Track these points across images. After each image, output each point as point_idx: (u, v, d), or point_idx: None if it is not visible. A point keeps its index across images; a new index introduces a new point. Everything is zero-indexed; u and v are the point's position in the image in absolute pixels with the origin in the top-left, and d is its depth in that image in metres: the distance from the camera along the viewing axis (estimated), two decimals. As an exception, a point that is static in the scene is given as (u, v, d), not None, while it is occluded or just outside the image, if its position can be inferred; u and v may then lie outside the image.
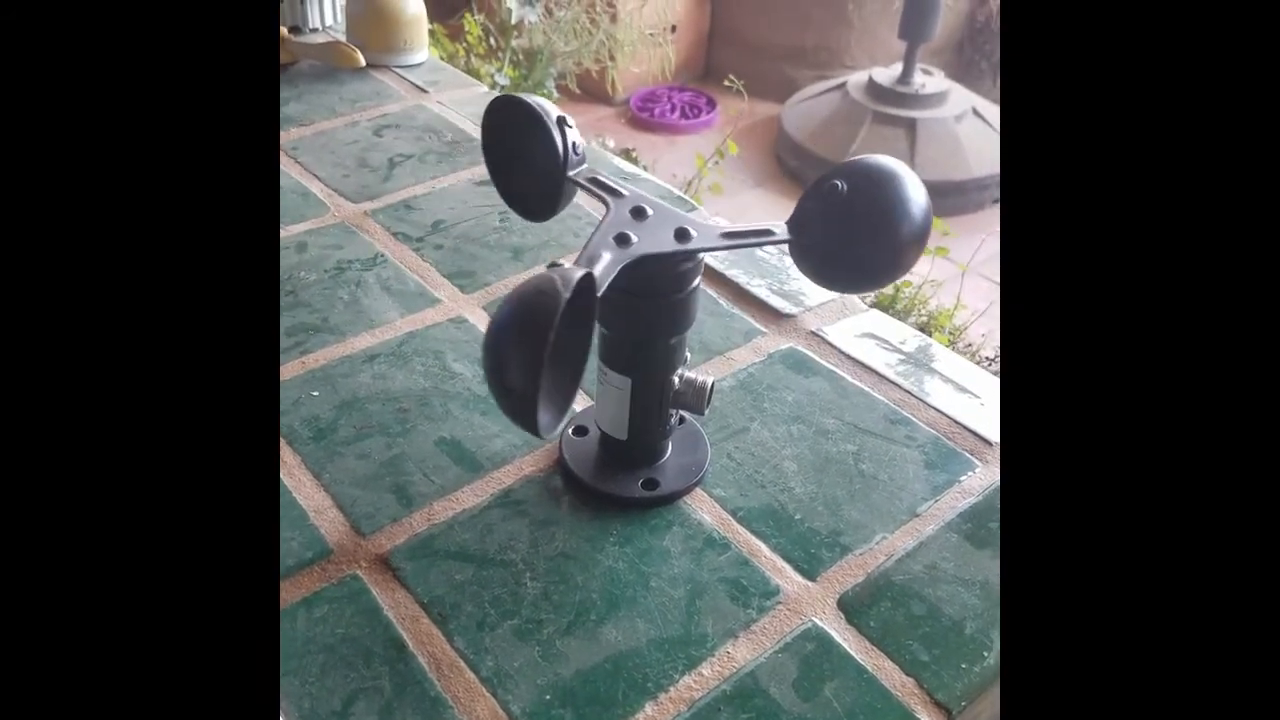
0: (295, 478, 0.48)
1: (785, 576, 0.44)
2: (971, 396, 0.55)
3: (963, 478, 0.50)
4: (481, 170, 0.75)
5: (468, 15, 1.88)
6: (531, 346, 0.33)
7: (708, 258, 0.63)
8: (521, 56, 1.97)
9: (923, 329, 1.53)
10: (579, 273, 0.35)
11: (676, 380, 0.46)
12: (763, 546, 0.45)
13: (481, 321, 0.59)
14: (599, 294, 0.37)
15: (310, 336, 0.57)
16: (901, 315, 1.53)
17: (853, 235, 0.41)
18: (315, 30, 0.92)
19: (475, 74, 1.73)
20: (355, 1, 0.89)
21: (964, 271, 1.67)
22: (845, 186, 0.41)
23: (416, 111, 0.83)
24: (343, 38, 0.91)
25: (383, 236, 0.67)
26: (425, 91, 0.87)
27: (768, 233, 0.43)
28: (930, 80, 2.35)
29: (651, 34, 2.40)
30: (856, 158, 0.42)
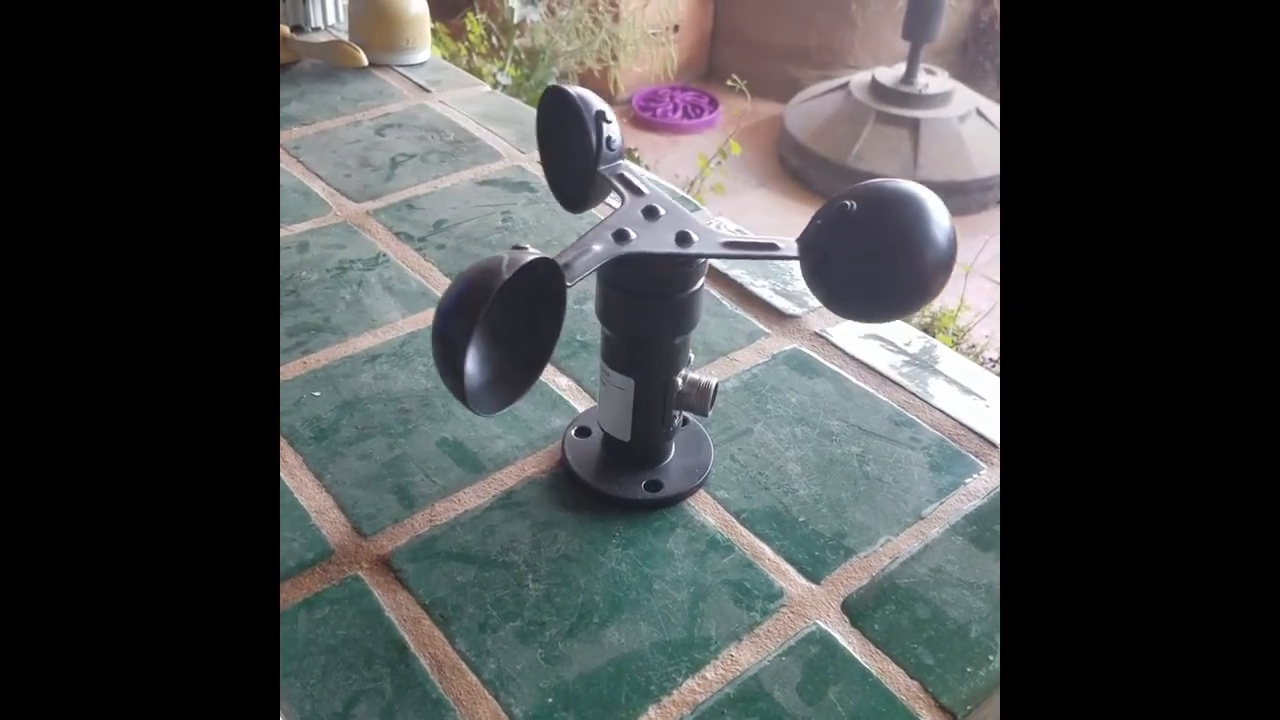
0: (297, 478, 0.48)
1: (789, 579, 0.44)
2: (976, 398, 0.55)
3: (968, 480, 0.49)
4: (483, 170, 0.75)
5: (470, 14, 1.88)
6: (463, 323, 0.33)
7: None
8: (524, 56, 1.97)
9: (926, 330, 1.53)
10: (530, 256, 0.35)
11: (680, 381, 0.45)
12: (766, 549, 0.45)
13: (484, 322, 0.59)
14: (571, 283, 0.37)
15: (312, 336, 0.57)
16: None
17: (873, 259, 0.39)
18: (318, 29, 0.92)
19: (477, 73, 1.73)
20: (357, 1, 0.89)
21: (967, 272, 1.66)
22: (855, 206, 0.39)
23: (419, 111, 0.83)
24: (345, 37, 0.91)
25: (385, 236, 0.67)
26: (428, 91, 0.87)
27: (772, 246, 0.41)
28: (934, 80, 2.34)
29: (654, 33, 2.40)
30: (874, 181, 0.40)
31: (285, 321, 0.58)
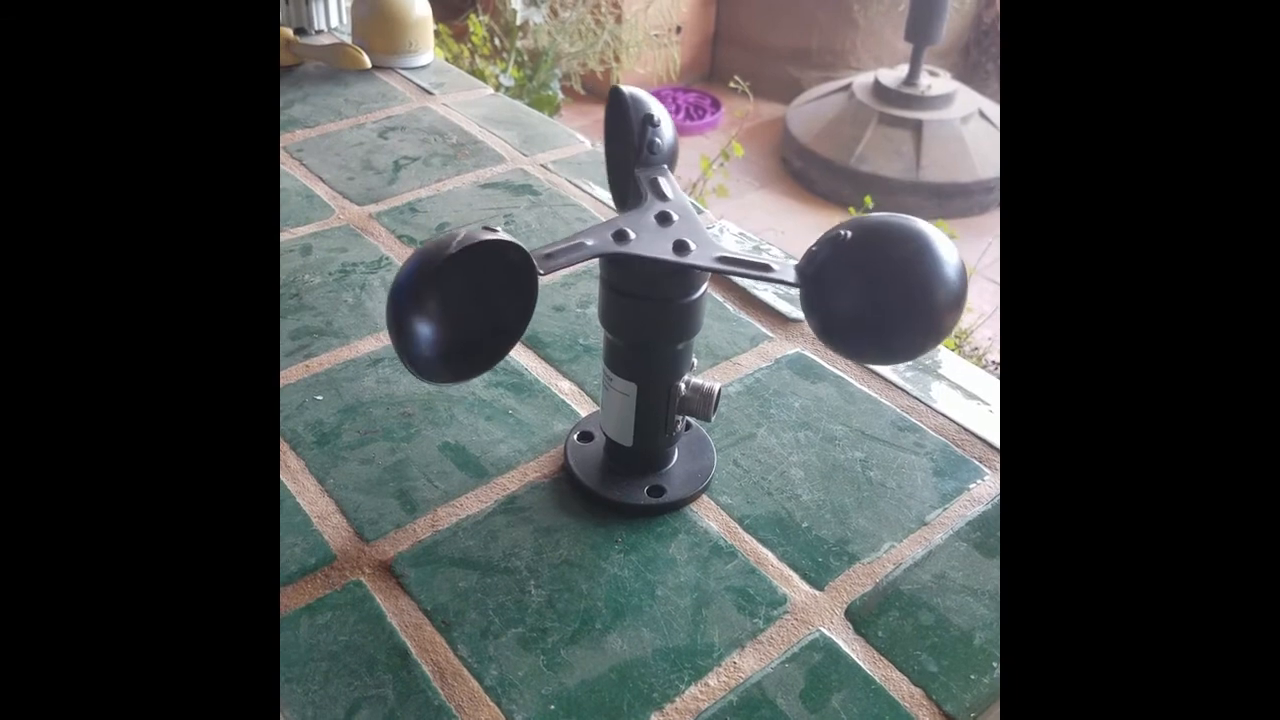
0: (299, 483, 0.48)
1: (792, 585, 0.44)
2: (980, 403, 0.54)
3: (971, 485, 0.49)
4: (485, 173, 0.75)
5: (473, 16, 1.88)
6: (410, 289, 0.35)
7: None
8: (526, 57, 1.97)
9: (928, 332, 1.52)
10: (486, 235, 0.35)
11: (683, 386, 0.45)
12: (770, 555, 0.45)
13: (486, 325, 0.59)
14: (545, 272, 0.38)
15: (314, 340, 0.57)
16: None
17: (879, 292, 0.37)
18: (320, 32, 0.92)
19: (480, 75, 1.73)
20: (361, 3, 0.89)
21: (971, 275, 1.66)
22: (849, 234, 0.37)
23: (422, 114, 0.83)
24: (348, 39, 0.91)
25: (387, 239, 0.67)
26: (430, 94, 0.86)
27: (766, 268, 0.40)
28: (936, 82, 2.34)
29: (656, 35, 2.40)
30: (877, 214, 0.38)
31: (288, 325, 0.58)
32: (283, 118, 0.82)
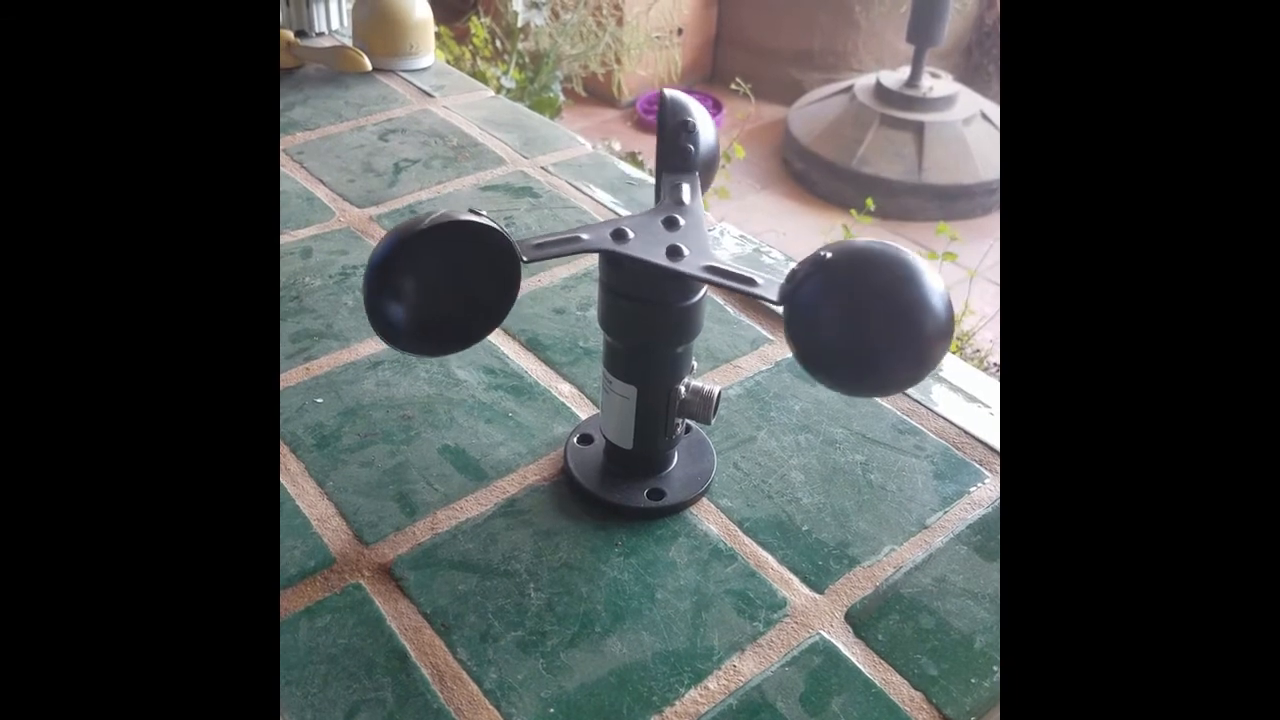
0: (299, 486, 0.48)
1: (792, 589, 0.44)
2: (980, 406, 0.54)
3: (972, 489, 0.49)
4: (486, 175, 0.75)
5: (474, 18, 1.88)
6: (377, 257, 0.37)
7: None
8: (527, 59, 1.97)
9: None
10: (463, 216, 0.37)
11: (683, 389, 0.45)
12: (770, 558, 0.45)
13: (486, 328, 0.59)
14: (528, 259, 0.39)
15: (315, 342, 0.57)
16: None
17: (862, 320, 0.35)
18: (321, 34, 0.92)
19: (481, 77, 1.73)
20: (361, 6, 0.89)
21: (972, 277, 1.66)
22: (831, 255, 0.36)
23: (422, 116, 0.83)
24: (349, 42, 0.91)
25: (388, 242, 0.67)
26: (431, 96, 0.87)
27: (750, 281, 0.39)
28: (938, 84, 2.34)
29: (658, 37, 2.40)
30: (860, 240, 0.37)
31: (288, 328, 0.58)
32: (283, 120, 0.82)
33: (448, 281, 0.38)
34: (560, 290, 0.63)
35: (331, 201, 0.71)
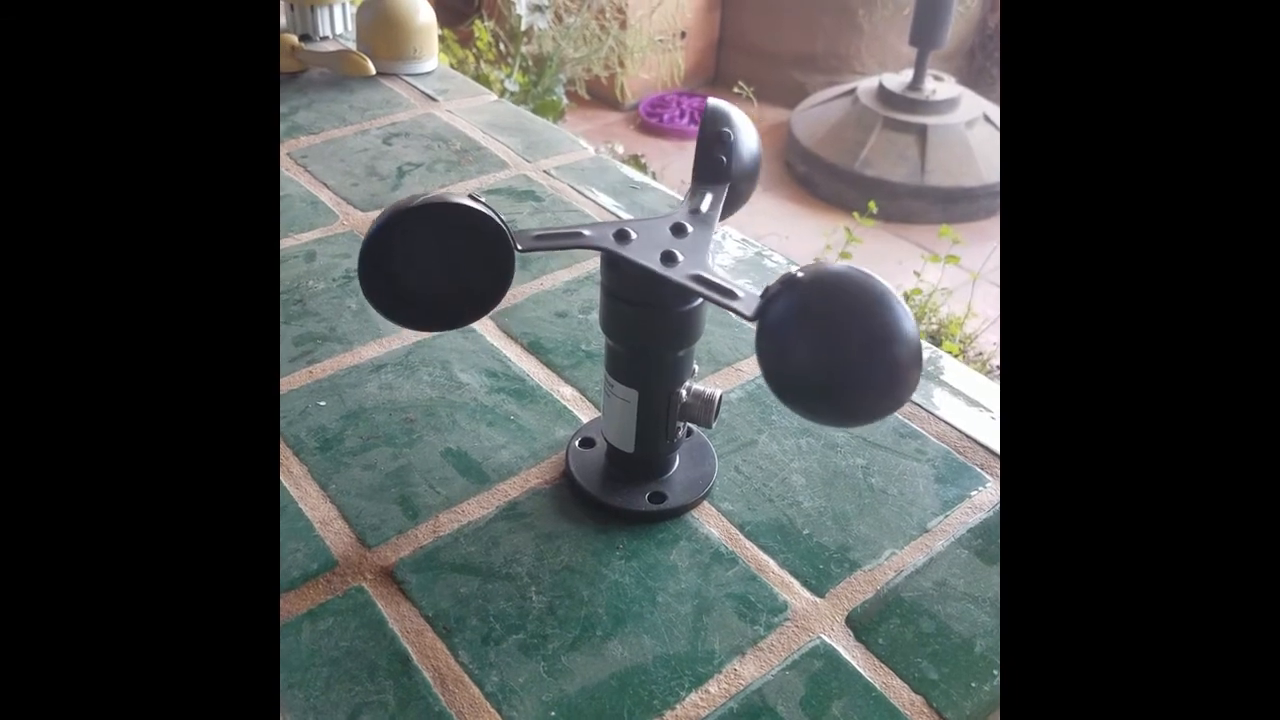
0: (302, 488, 0.48)
1: (793, 592, 0.44)
2: (982, 410, 0.54)
3: (973, 493, 0.49)
4: (489, 179, 0.75)
5: (478, 21, 1.89)
6: (374, 227, 0.39)
7: (716, 267, 0.63)
8: (531, 63, 1.98)
9: (933, 337, 1.52)
10: (456, 198, 0.38)
11: (684, 393, 0.45)
12: (770, 562, 0.45)
13: (490, 332, 0.59)
14: (523, 248, 0.40)
15: (318, 346, 0.57)
16: (911, 323, 1.52)
17: (837, 344, 0.34)
18: (325, 38, 0.92)
19: (485, 80, 1.74)
20: (365, 10, 0.89)
21: (975, 279, 1.66)
22: (803, 275, 0.35)
23: (426, 120, 0.83)
24: (353, 46, 0.91)
25: (391, 245, 0.67)
26: (435, 100, 0.87)
27: (731, 295, 0.38)
28: (941, 86, 2.34)
29: (661, 40, 2.41)
30: (834, 264, 0.35)
31: (291, 331, 0.58)
32: (287, 124, 0.82)
33: (440, 259, 0.39)
34: (562, 293, 0.63)
35: (335, 205, 0.71)
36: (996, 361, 1.44)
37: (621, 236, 0.41)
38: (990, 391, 0.56)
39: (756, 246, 0.68)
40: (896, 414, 0.54)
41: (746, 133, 0.47)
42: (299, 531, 0.46)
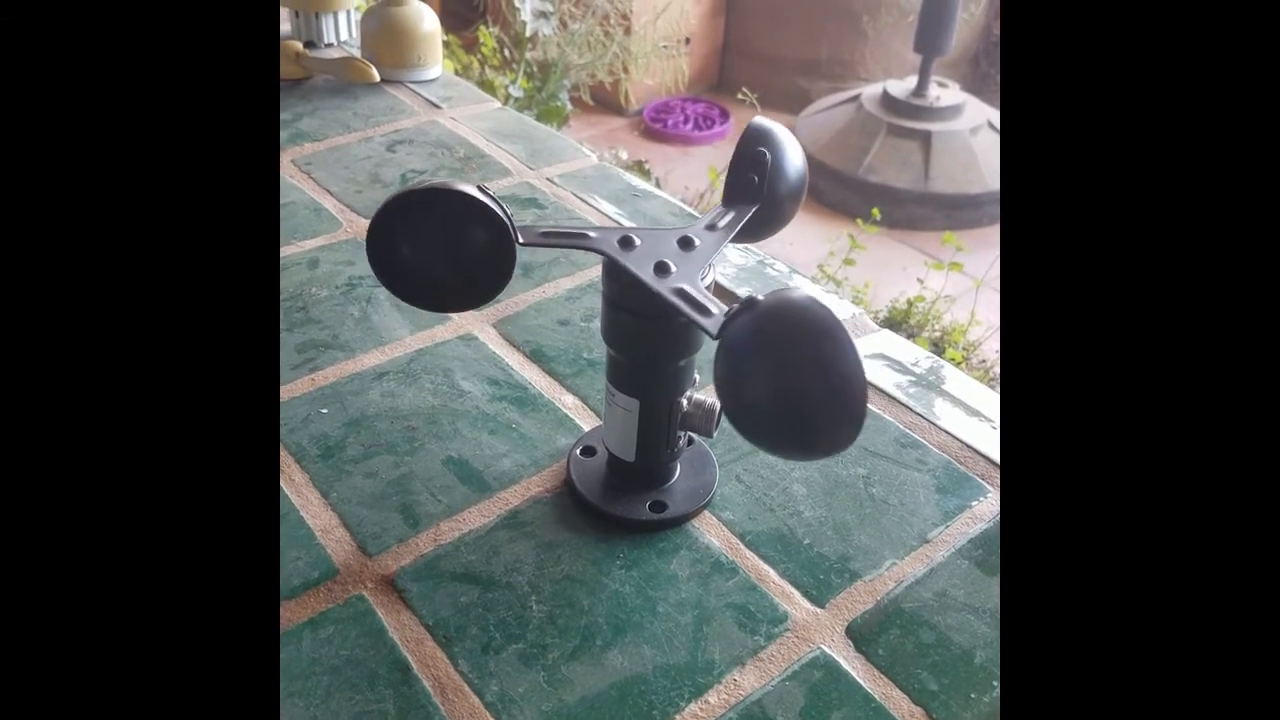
0: (303, 496, 0.48)
1: (794, 603, 0.44)
2: (983, 419, 0.54)
3: (974, 503, 0.49)
4: (492, 186, 0.76)
5: (482, 27, 1.89)
6: (383, 210, 0.40)
7: (718, 275, 0.63)
8: (535, 68, 1.98)
9: (936, 344, 1.52)
10: (462, 186, 0.40)
11: (685, 402, 0.45)
12: (771, 572, 0.45)
13: (491, 340, 0.59)
14: (525, 241, 0.41)
15: (320, 353, 0.58)
16: (915, 331, 1.52)
17: (790, 368, 0.33)
18: (330, 45, 0.93)
19: (489, 86, 1.74)
20: (369, 18, 0.90)
21: (978, 287, 1.66)
22: (762, 297, 0.34)
23: (430, 127, 0.84)
24: (357, 53, 0.92)
25: (394, 253, 0.67)
26: (439, 107, 0.87)
27: (706, 312, 0.38)
28: (945, 93, 2.34)
29: (665, 46, 2.41)
30: (789, 291, 0.35)
31: (294, 338, 0.59)
32: (291, 131, 0.82)
33: (443, 242, 0.41)
34: (564, 302, 0.63)
35: (339, 212, 0.71)
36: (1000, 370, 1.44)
37: (626, 243, 0.41)
38: (991, 401, 0.56)
39: (759, 255, 0.68)
40: (897, 424, 0.54)
41: (791, 152, 0.47)
42: (300, 539, 0.46)
